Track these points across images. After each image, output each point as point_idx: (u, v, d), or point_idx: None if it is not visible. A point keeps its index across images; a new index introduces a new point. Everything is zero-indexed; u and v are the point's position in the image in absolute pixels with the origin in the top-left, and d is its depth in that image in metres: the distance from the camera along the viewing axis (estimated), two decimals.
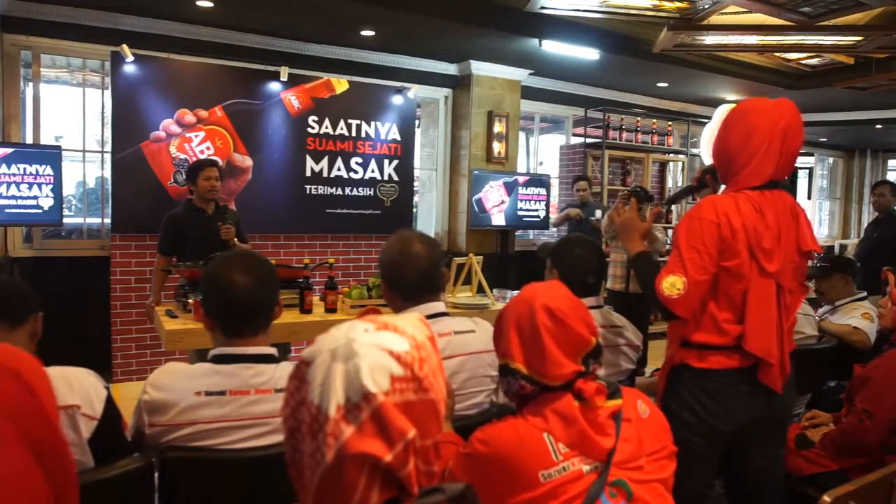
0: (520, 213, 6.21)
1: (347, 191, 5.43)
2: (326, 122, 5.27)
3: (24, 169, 4.13)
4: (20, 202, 4.14)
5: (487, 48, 5.49)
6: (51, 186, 4.21)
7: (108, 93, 4.73)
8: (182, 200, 3.86)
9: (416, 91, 5.67)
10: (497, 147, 6.13)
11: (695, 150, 7.22)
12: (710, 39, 5.21)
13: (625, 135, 6.80)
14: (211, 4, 4.39)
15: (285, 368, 1.44)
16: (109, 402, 1.36)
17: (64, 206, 4.37)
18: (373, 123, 5.48)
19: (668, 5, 4.66)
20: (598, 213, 5.74)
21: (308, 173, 5.23)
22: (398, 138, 5.63)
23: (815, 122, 8.29)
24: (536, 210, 6.32)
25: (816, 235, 2.26)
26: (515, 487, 1.13)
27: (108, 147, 4.76)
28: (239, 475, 1.39)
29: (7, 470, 0.94)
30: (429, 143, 6.43)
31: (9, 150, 4.11)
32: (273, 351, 1.49)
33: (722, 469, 1.84)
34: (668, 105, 7.72)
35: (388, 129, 5.57)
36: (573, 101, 7.00)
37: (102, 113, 5.05)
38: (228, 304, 1.44)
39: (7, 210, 4.11)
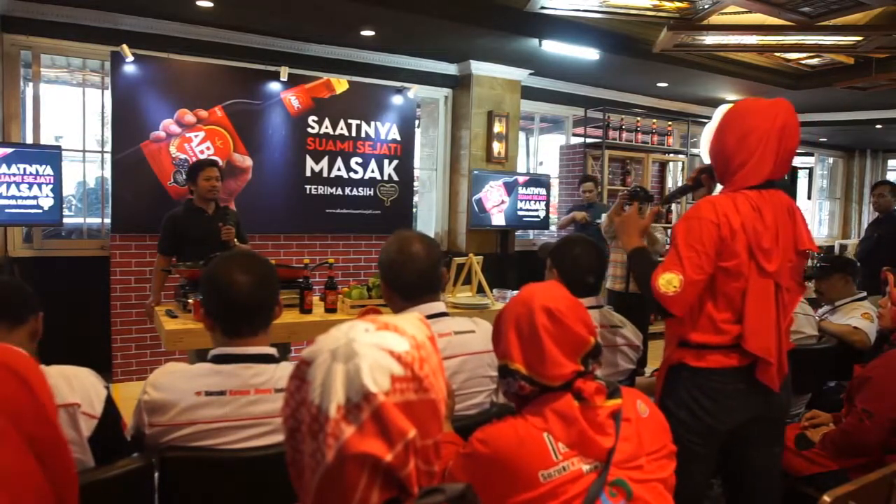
0: (520, 213, 6.21)
1: (347, 191, 5.43)
2: (326, 122, 5.27)
3: (24, 169, 4.13)
4: (20, 202, 4.14)
5: (487, 48, 5.49)
6: (51, 186, 4.21)
7: (108, 93, 4.73)
8: (182, 200, 3.86)
9: (416, 91, 5.67)
10: (497, 147, 6.13)
11: (695, 150, 7.22)
12: (710, 39, 5.21)
13: (625, 135, 6.80)
14: (211, 4, 4.39)
15: (285, 368, 1.44)
16: (109, 402, 1.37)
17: (64, 206, 4.36)
18: (373, 123, 5.48)
19: (668, 5, 4.65)
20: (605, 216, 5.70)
21: (308, 173, 5.23)
22: (398, 138, 5.63)
23: (815, 122, 8.28)
24: (536, 210, 6.32)
25: (816, 235, 2.27)
26: (515, 487, 1.13)
27: (108, 147, 4.76)
28: (239, 475, 1.39)
29: (7, 468, 0.94)
30: (429, 143, 6.43)
31: (9, 150, 4.11)
32: (273, 351, 1.49)
33: (720, 468, 1.84)
34: (668, 105, 7.71)
35: (388, 129, 5.57)
36: (573, 101, 7.00)
37: (102, 113, 5.05)
38: (228, 304, 1.44)
39: (7, 210, 4.11)
